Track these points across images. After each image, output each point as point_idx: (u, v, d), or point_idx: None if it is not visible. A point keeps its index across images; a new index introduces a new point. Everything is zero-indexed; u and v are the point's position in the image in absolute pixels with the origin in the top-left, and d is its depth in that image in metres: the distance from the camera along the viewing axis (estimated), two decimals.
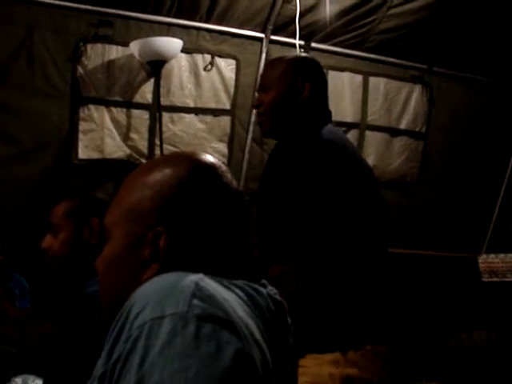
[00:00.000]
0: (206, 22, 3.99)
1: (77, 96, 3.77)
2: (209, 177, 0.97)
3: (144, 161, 3.92)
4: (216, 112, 4.16)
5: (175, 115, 4.04)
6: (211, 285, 0.81)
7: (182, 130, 4.04)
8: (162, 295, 0.77)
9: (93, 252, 1.90)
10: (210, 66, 4.07)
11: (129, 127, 3.92)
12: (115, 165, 3.89)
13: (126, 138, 3.91)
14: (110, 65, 3.82)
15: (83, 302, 1.73)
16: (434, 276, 4.57)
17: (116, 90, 3.86)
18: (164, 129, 3.91)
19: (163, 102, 3.89)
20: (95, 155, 3.84)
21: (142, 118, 3.95)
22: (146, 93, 3.93)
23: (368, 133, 4.68)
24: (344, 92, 4.53)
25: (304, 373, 1.49)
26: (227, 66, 4.15)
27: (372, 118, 4.68)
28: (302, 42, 4.21)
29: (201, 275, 0.82)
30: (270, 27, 4.11)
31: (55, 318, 3.41)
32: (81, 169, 3.83)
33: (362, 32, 4.32)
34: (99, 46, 3.78)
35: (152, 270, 0.92)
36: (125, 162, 3.91)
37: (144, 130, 3.96)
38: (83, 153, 3.81)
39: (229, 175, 1.01)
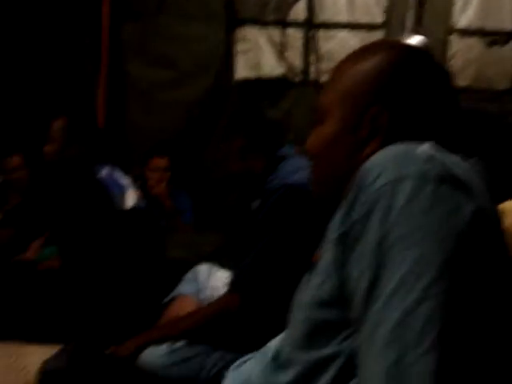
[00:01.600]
0: None
1: (232, 17, 3.87)
2: (420, 57, 1.02)
3: (299, 78, 3.98)
4: (369, 27, 4.11)
5: (328, 32, 4.03)
6: (439, 152, 0.85)
7: (336, 47, 4.03)
8: (397, 161, 0.82)
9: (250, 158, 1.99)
10: None
11: (284, 46, 3.97)
12: (271, 83, 3.98)
13: (281, 56, 3.97)
14: None
15: (267, 196, 1.83)
16: None
17: (270, 10, 3.90)
18: (318, 46, 3.93)
19: (316, 19, 3.90)
20: (251, 74, 3.95)
21: (296, 36, 3.98)
22: (299, 11, 3.96)
23: None
24: None
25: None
26: None
27: None
28: None
29: (428, 144, 0.86)
30: None
31: (221, 228, 3.62)
32: (238, 88, 3.95)
33: None
34: None
35: (371, 147, 0.98)
36: (280, 80, 3.99)
37: (298, 47, 4.00)
38: (240, 73, 3.93)
39: (435, 58, 1.05)
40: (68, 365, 1.45)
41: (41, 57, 3.99)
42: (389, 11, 4.11)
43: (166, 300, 2.25)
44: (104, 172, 2.89)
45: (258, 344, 1.20)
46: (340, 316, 0.86)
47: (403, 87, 0.99)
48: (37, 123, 3.76)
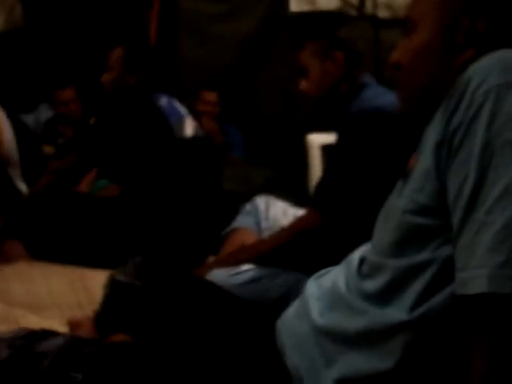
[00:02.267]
0: None
1: None
2: None
3: (354, 12, 3.87)
4: None
5: None
6: None
7: None
8: (502, 66, 0.81)
9: (340, 81, 1.96)
10: None
11: None
12: (326, 17, 3.88)
13: None
14: None
15: (351, 120, 1.82)
16: None
17: None
18: None
19: None
20: (307, 7, 3.85)
21: None
22: None
23: None
24: None
25: None
26: None
27: None
28: None
29: None
30: None
31: (271, 161, 3.64)
32: (292, 22, 3.87)
33: None
34: None
35: (467, 55, 0.95)
36: (335, 14, 3.89)
37: None
38: (295, 5, 3.84)
39: None
40: (136, 276, 1.44)
41: None
42: None
43: (225, 232, 2.27)
44: (163, 101, 2.90)
45: (327, 264, 1.21)
46: (435, 223, 0.86)
47: None
48: (89, 55, 3.78)
